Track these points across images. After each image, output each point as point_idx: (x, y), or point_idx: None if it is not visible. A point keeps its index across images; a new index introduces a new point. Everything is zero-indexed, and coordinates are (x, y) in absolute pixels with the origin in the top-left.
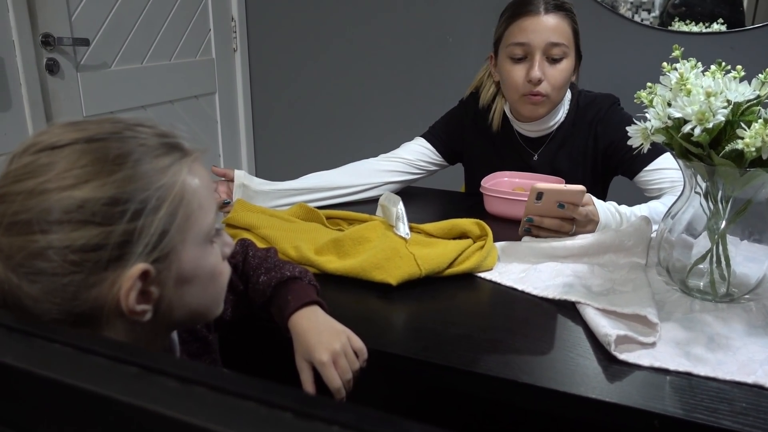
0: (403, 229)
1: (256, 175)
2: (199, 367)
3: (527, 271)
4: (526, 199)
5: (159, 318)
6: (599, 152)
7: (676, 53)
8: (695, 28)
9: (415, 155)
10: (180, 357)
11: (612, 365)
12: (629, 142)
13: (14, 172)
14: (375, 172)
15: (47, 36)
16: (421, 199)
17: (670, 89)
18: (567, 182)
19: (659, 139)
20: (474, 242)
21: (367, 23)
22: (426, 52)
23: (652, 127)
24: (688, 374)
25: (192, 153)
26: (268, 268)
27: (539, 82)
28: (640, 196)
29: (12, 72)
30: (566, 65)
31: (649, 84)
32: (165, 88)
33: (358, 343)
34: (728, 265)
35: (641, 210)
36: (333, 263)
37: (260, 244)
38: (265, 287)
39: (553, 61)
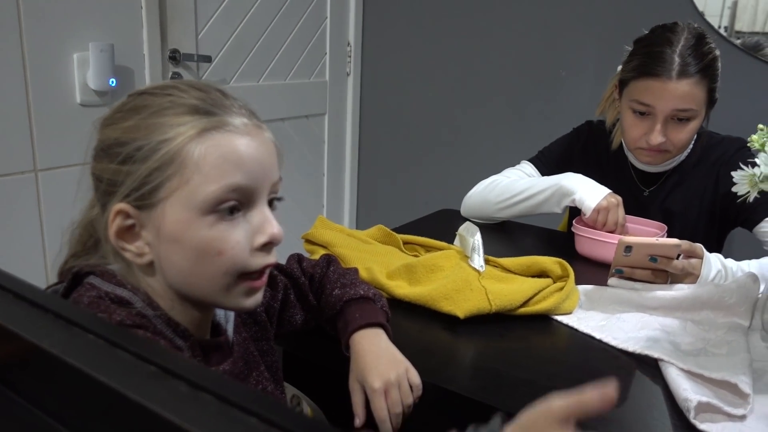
0: (478, 261)
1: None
2: (212, 375)
3: (609, 319)
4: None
5: (163, 274)
6: (719, 196)
7: None
8: None
9: None
10: (240, 337)
11: None
12: (733, 189)
13: None
14: None
15: (174, 52)
16: (506, 231)
17: None
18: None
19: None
20: (554, 282)
21: (478, 54)
22: (538, 84)
23: (761, 174)
24: None
25: (220, 122)
26: (344, 283)
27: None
28: (761, 252)
29: (140, 83)
30: (693, 125)
31: (760, 126)
32: (278, 106)
33: (416, 378)
34: None
35: (750, 266)
36: (402, 289)
37: None
38: (337, 300)
39: (680, 120)
